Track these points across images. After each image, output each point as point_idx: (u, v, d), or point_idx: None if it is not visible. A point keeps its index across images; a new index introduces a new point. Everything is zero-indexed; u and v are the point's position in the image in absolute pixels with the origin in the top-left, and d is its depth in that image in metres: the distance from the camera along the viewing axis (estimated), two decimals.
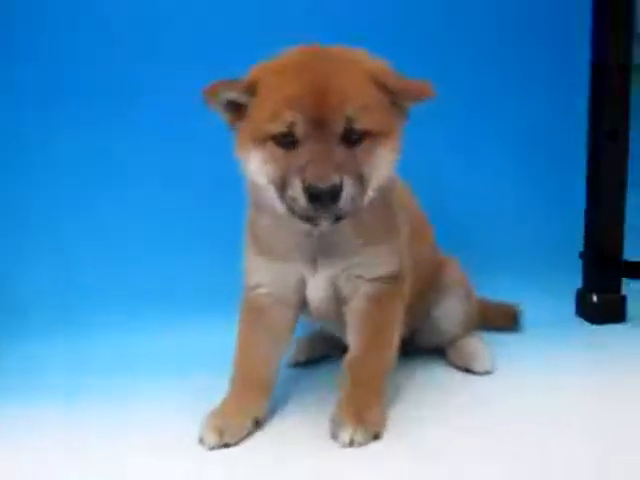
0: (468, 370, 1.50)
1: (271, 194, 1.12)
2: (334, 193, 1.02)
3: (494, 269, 1.81)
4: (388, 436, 1.21)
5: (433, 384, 1.45)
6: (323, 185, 1.01)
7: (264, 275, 1.29)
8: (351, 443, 1.16)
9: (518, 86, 2.01)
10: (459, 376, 1.50)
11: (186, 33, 1.88)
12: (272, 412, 1.32)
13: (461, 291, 1.55)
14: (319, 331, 1.60)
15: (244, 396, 1.26)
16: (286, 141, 1.07)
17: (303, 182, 1.02)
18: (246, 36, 1.84)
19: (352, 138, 1.07)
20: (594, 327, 1.80)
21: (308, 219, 1.08)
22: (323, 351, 1.62)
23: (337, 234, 1.21)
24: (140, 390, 1.48)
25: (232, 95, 1.12)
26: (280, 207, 1.11)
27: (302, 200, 1.03)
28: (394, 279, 1.28)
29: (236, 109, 1.13)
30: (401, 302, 1.31)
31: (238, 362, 1.31)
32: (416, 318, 1.47)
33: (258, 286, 1.30)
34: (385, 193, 1.21)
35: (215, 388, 1.31)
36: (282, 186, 1.07)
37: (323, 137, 1.05)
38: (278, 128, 1.06)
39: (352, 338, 1.29)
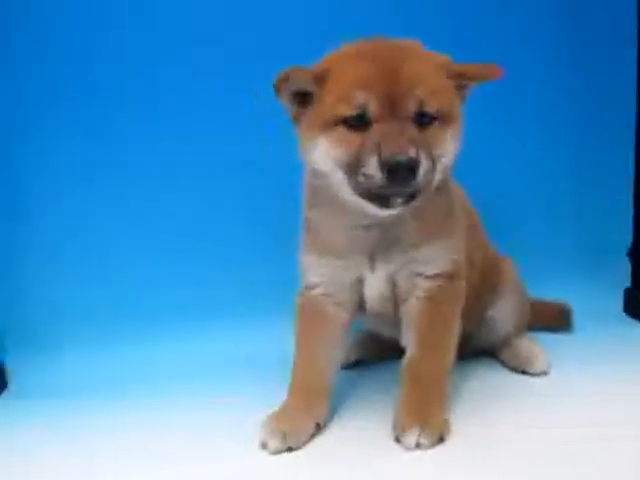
0: (524, 371, 1.47)
1: (338, 179, 1.10)
2: (412, 166, 1.02)
3: (541, 268, 1.77)
4: (452, 439, 1.18)
5: (490, 386, 1.43)
6: (402, 158, 1.01)
7: (321, 274, 1.27)
8: (417, 446, 1.14)
9: (564, 85, 1.95)
10: (516, 377, 1.47)
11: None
12: (331, 415, 1.30)
13: (516, 291, 1.52)
14: (370, 332, 1.58)
15: (305, 400, 1.25)
16: (358, 123, 1.07)
17: (380, 157, 1.02)
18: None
19: (422, 121, 1.08)
20: None
21: (381, 199, 1.07)
22: (374, 352, 1.60)
23: (398, 228, 1.19)
24: (195, 395, 1.48)
25: (301, 84, 1.11)
26: (348, 192, 1.10)
27: (379, 175, 1.03)
28: (452, 277, 1.26)
29: (301, 100, 1.13)
30: (459, 302, 1.29)
31: (298, 366, 1.29)
32: (473, 320, 1.44)
33: (315, 286, 1.28)
34: (445, 186, 1.21)
35: (272, 391, 1.30)
36: (354, 167, 1.06)
37: (396, 117, 1.06)
38: (350, 110, 1.07)
39: (410, 339, 1.27)
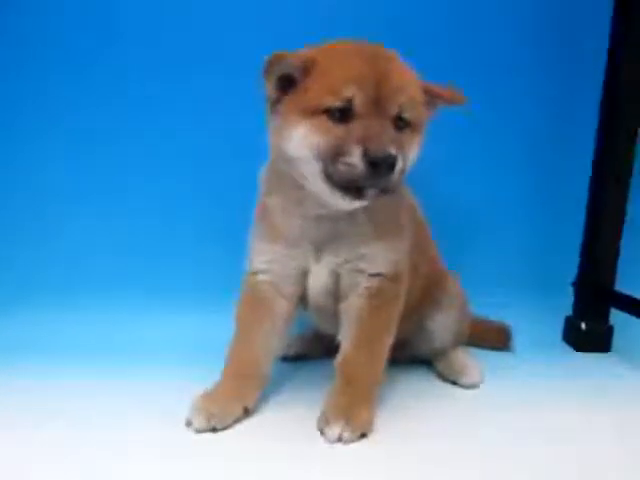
0: (455, 383, 1.51)
1: (311, 166, 1.14)
2: (391, 162, 1.08)
3: (487, 290, 1.81)
4: (373, 437, 1.22)
5: (420, 392, 1.47)
6: (385, 153, 1.07)
7: (267, 260, 1.30)
8: (339, 439, 1.18)
9: (520, 113, 2.00)
10: (446, 387, 1.51)
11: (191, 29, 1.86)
12: (262, 402, 1.33)
13: (457, 305, 1.56)
14: (312, 329, 1.61)
15: (236, 383, 1.27)
16: (341, 115, 1.11)
17: (364, 150, 1.07)
18: (243, 30, 1.84)
19: (399, 124, 1.15)
20: (579, 354, 1.83)
21: (356, 190, 1.11)
22: (316, 350, 1.63)
23: (348, 222, 1.24)
24: (128, 371, 1.51)
25: (290, 69, 1.13)
26: (318, 180, 1.14)
27: (361, 166, 1.08)
28: (394, 278, 1.30)
29: (284, 85, 1.15)
30: (398, 305, 1.32)
31: (234, 350, 1.31)
32: (410, 327, 1.48)
33: (261, 272, 1.31)
34: (399, 190, 1.25)
35: (208, 371, 1.32)
36: (333, 156, 1.10)
37: (380, 116, 1.12)
38: (337, 101, 1.11)
39: (346, 335, 1.31)
